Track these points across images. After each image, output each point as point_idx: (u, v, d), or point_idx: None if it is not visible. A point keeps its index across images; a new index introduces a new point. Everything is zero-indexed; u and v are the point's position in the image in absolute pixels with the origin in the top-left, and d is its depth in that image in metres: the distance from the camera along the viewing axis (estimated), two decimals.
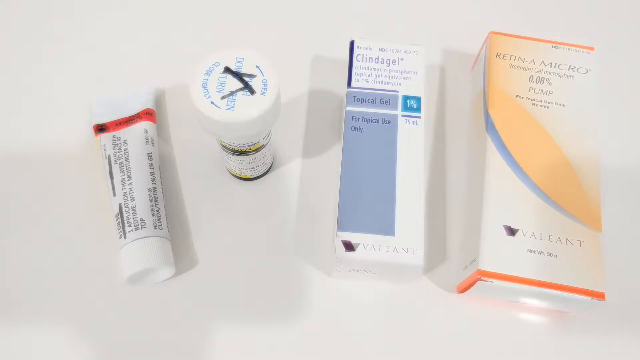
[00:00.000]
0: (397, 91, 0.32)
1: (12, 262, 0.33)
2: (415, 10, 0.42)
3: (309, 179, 0.35)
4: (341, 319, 0.32)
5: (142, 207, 0.31)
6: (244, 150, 0.30)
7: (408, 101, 0.31)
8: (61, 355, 0.30)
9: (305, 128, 0.37)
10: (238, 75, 0.27)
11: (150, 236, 0.30)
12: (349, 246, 0.28)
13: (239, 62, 0.28)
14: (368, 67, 0.32)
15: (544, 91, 0.34)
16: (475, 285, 0.29)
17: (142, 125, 0.34)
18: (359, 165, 0.30)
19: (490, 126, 0.33)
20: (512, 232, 0.30)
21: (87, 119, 0.36)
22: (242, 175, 0.34)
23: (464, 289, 0.31)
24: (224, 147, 0.31)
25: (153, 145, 0.34)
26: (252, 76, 0.27)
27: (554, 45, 0.35)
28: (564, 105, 0.33)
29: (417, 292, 0.33)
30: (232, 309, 0.32)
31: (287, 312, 0.32)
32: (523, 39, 0.35)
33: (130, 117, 0.34)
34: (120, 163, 0.32)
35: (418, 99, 0.31)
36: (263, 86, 0.27)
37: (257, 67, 0.28)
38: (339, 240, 0.28)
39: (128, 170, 0.32)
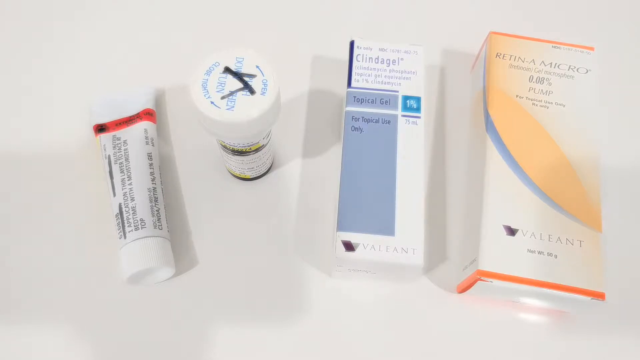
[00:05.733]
0: (397, 91, 0.32)
1: (12, 262, 0.33)
2: (415, 10, 0.42)
3: (309, 179, 0.35)
4: (341, 319, 0.32)
5: (142, 207, 0.31)
6: (244, 150, 0.30)
7: (408, 101, 0.31)
8: (61, 355, 0.30)
9: (305, 128, 0.37)
10: (238, 75, 0.27)
11: (150, 236, 0.30)
12: (349, 246, 0.28)
13: (239, 62, 0.28)
14: (368, 67, 0.32)
15: (544, 91, 0.34)
16: (475, 285, 0.29)
17: (142, 125, 0.34)
18: (359, 165, 0.30)
19: (490, 126, 0.33)
20: (512, 232, 0.30)
21: (87, 119, 0.36)
22: (242, 175, 0.34)
23: (464, 289, 0.31)
24: (224, 147, 0.31)
25: (153, 145, 0.34)
26: (252, 76, 0.27)
27: (554, 45, 0.35)
28: (564, 105, 0.33)
29: (417, 292, 0.33)
30: (232, 309, 0.32)
31: (287, 312, 0.32)
32: (523, 39, 0.35)
33: (130, 117, 0.34)
34: (120, 163, 0.32)
35: (418, 99, 0.31)
36: (263, 86, 0.27)
37: (257, 67, 0.28)
38: (339, 240, 0.28)
39: (128, 170, 0.32)
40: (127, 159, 0.32)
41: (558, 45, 0.35)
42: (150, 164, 0.33)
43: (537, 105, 0.33)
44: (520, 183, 0.31)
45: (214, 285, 0.32)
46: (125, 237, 0.30)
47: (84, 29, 0.40)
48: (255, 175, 0.34)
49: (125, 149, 0.33)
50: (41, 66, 0.38)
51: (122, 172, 0.32)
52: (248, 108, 0.27)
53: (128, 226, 0.30)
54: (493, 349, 0.31)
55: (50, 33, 0.40)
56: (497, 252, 0.29)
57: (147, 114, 0.35)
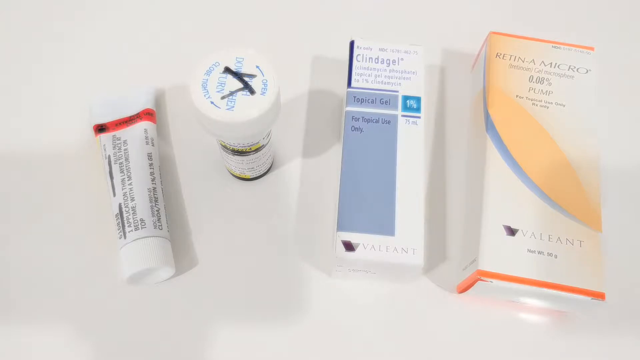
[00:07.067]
0: (397, 91, 0.32)
1: (12, 262, 0.33)
2: (415, 10, 0.42)
3: (309, 179, 0.35)
4: (341, 319, 0.32)
5: (142, 207, 0.31)
6: (244, 150, 0.30)
7: (408, 101, 0.31)
8: (61, 355, 0.30)
9: (305, 128, 0.37)
10: (238, 75, 0.27)
11: (150, 236, 0.30)
12: (349, 246, 0.28)
13: (239, 62, 0.28)
14: (368, 67, 0.32)
15: (544, 91, 0.34)
16: (475, 285, 0.29)
17: (142, 125, 0.34)
18: (359, 165, 0.30)
19: (490, 126, 0.33)
20: (512, 232, 0.30)
21: (87, 119, 0.36)
22: (242, 175, 0.34)
23: (464, 289, 0.31)
24: (224, 147, 0.31)
25: (153, 145, 0.34)
26: (252, 76, 0.27)
27: (554, 45, 0.35)
28: (564, 105, 0.33)
29: (417, 292, 0.33)
30: (232, 309, 0.32)
31: (287, 312, 0.32)
32: (523, 39, 0.35)
33: (130, 117, 0.34)
34: (120, 163, 0.32)
35: (418, 99, 0.31)
36: (263, 86, 0.27)
37: (257, 67, 0.28)
38: (339, 240, 0.28)
39: (128, 170, 0.32)
40: (127, 159, 0.32)
41: (558, 45, 0.35)
42: (150, 164, 0.33)
43: (537, 105, 0.33)
44: (520, 183, 0.31)
45: (214, 285, 0.32)
46: (125, 237, 0.30)
47: (84, 29, 0.40)
48: (255, 175, 0.34)
49: (125, 149, 0.33)
50: (41, 66, 0.38)
51: (122, 172, 0.32)
52: (248, 108, 0.27)
53: (128, 226, 0.30)
54: (493, 349, 0.31)
55: (50, 33, 0.40)
56: (497, 252, 0.29)
57: (147, 114, 0.35)
